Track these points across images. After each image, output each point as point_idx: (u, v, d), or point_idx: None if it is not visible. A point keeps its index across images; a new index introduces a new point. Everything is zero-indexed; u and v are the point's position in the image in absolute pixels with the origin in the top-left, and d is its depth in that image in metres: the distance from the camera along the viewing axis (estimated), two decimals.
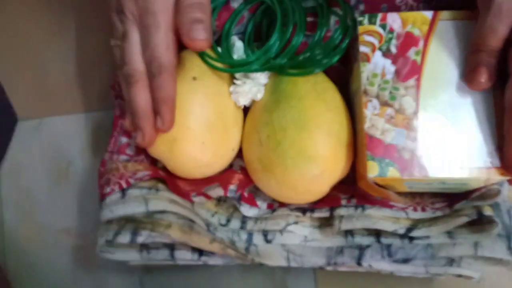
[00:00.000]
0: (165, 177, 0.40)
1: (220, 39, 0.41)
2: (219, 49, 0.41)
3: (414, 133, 0.35)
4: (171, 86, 0.37)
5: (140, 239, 0.38)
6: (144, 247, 0.40)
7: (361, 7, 0.41)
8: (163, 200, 0.39)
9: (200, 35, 0.37)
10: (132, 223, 0.39)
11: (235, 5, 0.41)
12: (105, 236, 0.39)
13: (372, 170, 0.35)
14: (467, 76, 0.35)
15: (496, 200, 0.35)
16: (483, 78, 0.34)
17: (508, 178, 0.34)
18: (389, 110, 0.36)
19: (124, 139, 0.42)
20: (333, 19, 0.41)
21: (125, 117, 0.40)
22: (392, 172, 0.35)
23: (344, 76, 0.42)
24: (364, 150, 0.36)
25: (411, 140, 0.35)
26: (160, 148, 0.39)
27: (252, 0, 0.41)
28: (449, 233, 0.37)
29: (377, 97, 0.36)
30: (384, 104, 0.36)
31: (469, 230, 0.37)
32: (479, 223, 0.36)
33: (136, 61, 0.37)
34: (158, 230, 0.38)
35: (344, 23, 0.40)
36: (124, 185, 0.39)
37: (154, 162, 0.42)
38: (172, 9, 0.37)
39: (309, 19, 0.41)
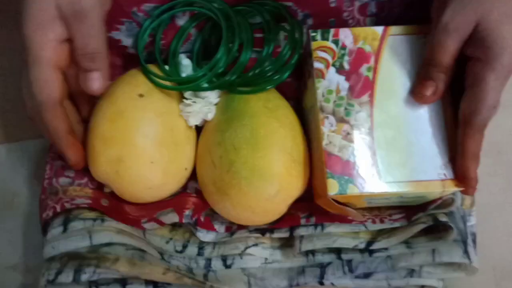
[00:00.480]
0: (106, 207, 0.38)
1: (168, 57, 0.40)
2: (167, 68, 0.39)
3: (370, 149, 0.35)
4: (56, 123, 0.36)
5: (84, 277, 0.36)
6: (94, 283, 0.38)
7: (309, 21, 0.41)
8: (109, 231, 0.37)
9: (94, 86, 0.37)
10: (76, 259, 0.37)
11: (180, 22, 0.40)
12: (46, 276, 0.36)
13: (332, 188, 0.35)
14: (414, 89, 0.36)
15: (451, 209, 0.36)
16: (428, 92, 0.35)
17: (462, 189, 0.35)
18: (346, 127, 0.36)
19: (59, 162, 0.40)
20: (282, 35, 0.41)
21: None
22: (352, 189, 0.35)
23: (296, 90, 0.41)
24: (323, 168, 0.35)
25: (368, 155, 0.35)
26: (103, 170, 0.37)
27: (198, 17, 0.40)
28: (407, 243, 0.38)
29: (333, 113, 0.36)
30: (340, 120, 0.36)
31: (426, 238, 0.37)
32: (436, 231, 0.37)
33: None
34: (104, 266, 0.36)
35: (292, 38, 0.39)
36: (59, 209, 0.36)
37: (100, 186, 0.40)
38: (54, 46, 0.35)
39: (258, 35, 0.40)
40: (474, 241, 0.41)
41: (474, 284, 0.43)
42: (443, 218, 0.36)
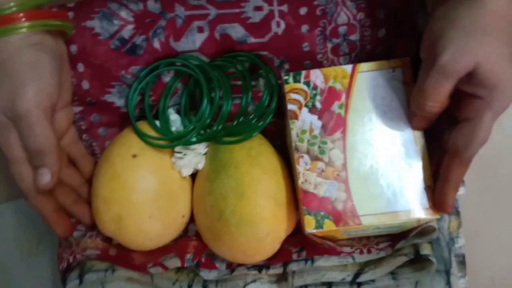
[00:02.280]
0: (115, 257, 0.42)
1: (158, 113, 0.44)
2: (158, 123, 0.43)
3: (344, 184, 0.37)
4: (41, 208, 0.40)
5: None
6: None
7: (286, 66, 0.43)
8: (120, 281, 0.40)
9: (42, 181, 0.38)
10: None
11: (166, 79, 0.44)
12: None
13: (309, 224, 0.36)
14: (410, 120, 0.38)
15: (433, 237, 0.37)
16: (425, 125, 0.37)
17: (437, 217, 0.36)
18: (320, 164, 0.38)
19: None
20: (262, 81, 0.43)
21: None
22: (328, 224, 0.36)
23: (281, 129, 0.44)
24: (300, 205, 0.37)
25: (342, 191, 0.37)
26: (107, 227, 0.41)
27: (181, 73, 0.43)
28: (393, 274, 0.39)
29: (308, 152, 0.38)
30: (315, 158, 0.38)
31: (411, 268, 0.39)
32: (420, 261, 0.38)
33: None
34: None
35: (269, 83, 0.42)
36: (71, 260, 0.40)
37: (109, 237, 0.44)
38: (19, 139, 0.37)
39: (239, 82, 0.43)
40: (463, 262, 0.41)
41: None
42: (425, 251, 0.37)
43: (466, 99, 0.34)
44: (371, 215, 0.36)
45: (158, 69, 0.43)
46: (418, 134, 0.38)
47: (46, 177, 0.38)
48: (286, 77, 0.40)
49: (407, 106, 0.38)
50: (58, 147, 0.39)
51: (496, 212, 0.47)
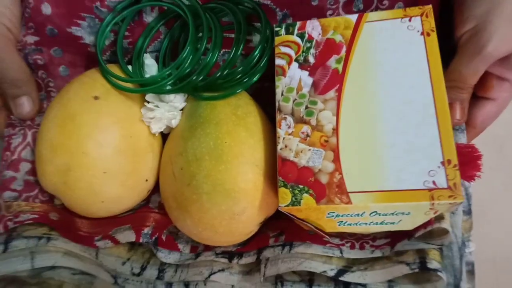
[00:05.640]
0: (56, 222, 0.35)
1: (132, 60, 0.38)
2: (130, 68, 0.38)
3: (333, 153, 0.29)
4: None
5: None
6: None
7: (289, 21, 0.37)
8: (54, 252, 0.34)
9: (24, 110, 0.38)
10: (14, 285, 0.34)
11: (148, 19, 0.38)
12: None
13: (284, 199, 0.29)
14: None
15: (445, 242, 0.30)
16: (458, 115, 0.34)
17: (460, 201, 0.26)
18: (305, 128, 0.30)
19: (8, 173, 0.37)
20: (256, 37, 0.37)
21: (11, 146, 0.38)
22: (307, 200, 0.29)
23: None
24: (277, 176, 0.30)
25: (329, 160, 0.29)
26: (51, 180, 0.34)
27: (168, 14, 0.38)
28: (390, 282, 0.31)
29: (292, 113, 0.31)
30: (300, 121, 0.31)
31: (412, 279, 0.30)
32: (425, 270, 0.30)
33: None
34: None
35: (264, 39, 0.35)
36: (1, 230, 0.33)
37: (52, 198, 0.38)
38: None
39: (231, 35, 0.37)
40: (472, 271, 0.33)
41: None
42: (433, 263, 0.29)
43: (492, 80, 0.34)
44: (365, 192, 0.28)
45: (139, 4, 0.37)
46: (441, 94, 0.29)
47: (27, 106, 0.37)
48: (277, 29, 0.34)
49: (428, 61, 0.30)
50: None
51: (504, 192, 0.46)
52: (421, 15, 0.32)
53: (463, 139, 0.35)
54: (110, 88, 0.36)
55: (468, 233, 0.35)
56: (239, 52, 0.36)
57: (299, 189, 0.29)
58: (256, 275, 0.34)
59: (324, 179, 0.29)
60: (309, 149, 0.30)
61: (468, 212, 0.35)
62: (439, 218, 0.30)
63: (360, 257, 0.31)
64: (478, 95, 0.35)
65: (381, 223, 0.30)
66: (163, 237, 0.35)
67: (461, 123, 0.35)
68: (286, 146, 0.31)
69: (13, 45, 0.36)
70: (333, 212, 0.29)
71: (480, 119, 0.35)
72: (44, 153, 0.34)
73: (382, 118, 0.30)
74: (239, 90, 0.36)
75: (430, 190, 0.28)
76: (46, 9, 0.36)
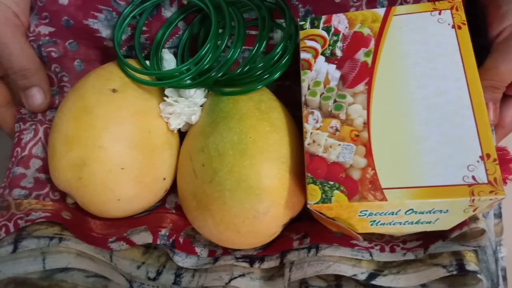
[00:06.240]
0: (69, 221, 0.33)
1: (149, 55, 0.37)
2: (148, 63, 0.36)
3: (365, 148, 0.28)
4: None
5: None
6: None
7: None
8: (67, 254, 0.32)
9: (36, 101, 0.36)
10: (24, 287, 0.32)
11: (167, 14, 0.37)
12: None
13: (313, 196, 0.27)
14: None
15: (481, 244, 0.28)
16: (492, 116, 0.33)
17: (500, 197, 0.25)
18: (334, 122, 0.29)
19: (18, 169, 0.35)
20: (281, 33, 0.35)
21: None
22: (338, 197, 0.27)
23: (296, 97, 0.35)
24: (306, 173, 0.28)
25: (361, 156, 0.28)
26: (64, 175, 0.32)
27: (187, 9, 0.37)
28: (423, 286, 0.30)
29: (320, 107, 0.30)
30: (328, 115, 0.29)
31: (447, 283, 0.29)
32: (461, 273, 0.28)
33: None
34: None
35: (287, 35, 0.34)
36: (12, 229, 0.32)
37: (64, 196, 0.36)
38: None
39: (255, 32, 0.36)
40: (504, 277, 0.32)
41: None
42: (472, 265, 0.28)
43: None
44: (400, 189, 0.27)
45: None
46: (475, 86, 0.28)
47: (38, 97, 0.36)
48: (302, 23, 0.33)
49: (461, 53, 0.29)
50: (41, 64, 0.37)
51: None
52: (451, 9, 0.31)
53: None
54: (127, 81, 0.34)
55: (500, 237, 0.34)
56: (261, 49, 0.34)
57: (329, 186, 0.28)
58: (279, 281, 0.32)
59: (356, 175, 0.28)
60: (339, 144, 0.29)
61: (499, 215, 0.34)
62: (474, 219, 0.29)
63: (392, 260, 0.30)
64: (507, 94, 0.34)
65: (416, 223, 0.28)
66: (181, 240, 0.33)
67: (494, 125, 0.34)
68: (314, 141, 0.29)
69: (20, 32, 0.35)
70: (366, 210, 0.28)
71: (510, 119, 0.34)
72: (57, 146, 0.32)
73: (414, 110, 0.28)
74: (260, 86, 0.34)
75: (469, 185, 0.26)
76: None
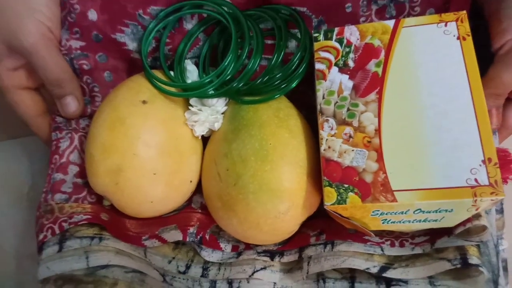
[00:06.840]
0: (107, 222, 0.36)
1: (172, 65, 0.40)
2: (172, 74, 0.39)
3: (376, 153, 0.30)
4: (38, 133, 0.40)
5: None
6: None
7: (324, 27, 0.38)
8: (107, 252, 0.35)
9: (70, 109, 0.39)
10: (71, 283, 0.35)
11: (188, 26, 0.40)
12: None
13: (329, 198, 0.30)
14: None
15: (483, 239, 0.31)
16: (495, 121, 0.34)
17: (500, 198, 0.27)
18: (347, 129, 0.32)
19: (58, 175, 0.38)
20: (295, 42, 0.38)
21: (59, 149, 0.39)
22: (353, 199, 0.30)
23: (310, 101, 0.38)
24: (322, 176, 0.31)
25: (373, 160, 0.30)
26: (102, 181, 0.36)
27: (207, 21, 0.39)
28: (430, 278, 0.32)
29: (334, 116, 0.32)
30: (342, 123, 0.32)
31: (452, 275, 0.31)
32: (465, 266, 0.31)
33: None
34: None
35: (303, 45, 0.36)
36: (57, 231, 0.35)
37: (100, 199, 0.39)
38: (8, 75, 0.38)
39: (271, 41, 0.39)
40: (505, 268, 0.35)
41: None
42: (474, 259, 0.30)
43: None
44: (409, 191, 0.29)
45: (181, 11, 0.38)
46: (479, 95, 0.30)
47: (73, 105, 0.38)
48: (316, 35, 0.35)
49: (465, 64, 0.31)
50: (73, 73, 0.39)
51: None
52: (456, 20, 0.33)
53: (496, 141, 0.36)
54: (155, 92, 0.37)
55: (501, 231, 0.36)
56: (280, 59, 0.37)
57: (344, 188, 0.30)
58: (297, 273, 0.35)
59: (368, 178, 0.30)
60: (353, 150, 0.31)
61: (500, 211, 0.37)
62: (477, 216, 0.31)
63: (401, 254, 0.32)
64: (510, 97, 0.35)
65: (424, 221, 0.31)
66: (207, 236, 0.36)
67: (497, 128, 0.35)
68: (329, 147, 0.32)
69: (54, 46, 0.37)
70: (378, 210, 0.30)
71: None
72: (95, 154, 0.35)
73: (424, 116, 0.31)
74: (278, 95, 0.37)
75: (472, 187, 0.29)
76: (92, 15, 0.38)
